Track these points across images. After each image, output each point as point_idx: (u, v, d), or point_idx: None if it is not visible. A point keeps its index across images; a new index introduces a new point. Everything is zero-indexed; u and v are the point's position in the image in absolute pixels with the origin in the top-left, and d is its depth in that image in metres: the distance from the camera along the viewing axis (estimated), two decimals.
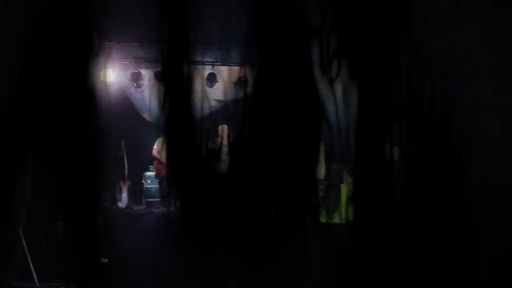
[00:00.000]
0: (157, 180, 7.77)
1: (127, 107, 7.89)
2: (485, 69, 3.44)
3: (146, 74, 7.85)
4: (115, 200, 7.41)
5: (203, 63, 7.30)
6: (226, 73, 7.88)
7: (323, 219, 5.67)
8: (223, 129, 6.97)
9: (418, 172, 3.42)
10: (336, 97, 3.56)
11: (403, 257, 3.37)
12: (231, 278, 3.91)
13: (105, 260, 3.65)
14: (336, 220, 6.19)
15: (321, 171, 4.94)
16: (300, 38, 3.49)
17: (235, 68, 7.62)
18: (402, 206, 3.40)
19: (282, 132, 3.56)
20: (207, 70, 7.76)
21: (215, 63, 7.62)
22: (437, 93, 3.39)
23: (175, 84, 3.60)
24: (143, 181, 7.92)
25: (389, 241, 3.37)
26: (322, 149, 3.69)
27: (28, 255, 5.17)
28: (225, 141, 6.92)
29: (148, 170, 7.94)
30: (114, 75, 7.62)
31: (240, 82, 7.61)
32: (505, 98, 3.49)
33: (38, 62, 3.49)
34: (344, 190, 6.82)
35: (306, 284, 4.18)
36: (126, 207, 7.27)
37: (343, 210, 6.58)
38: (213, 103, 7.45)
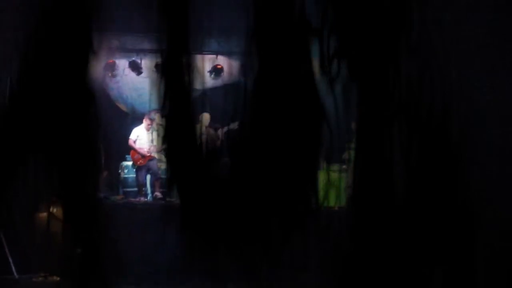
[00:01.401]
0: (134, 170, 7.69)
1: (102, 97, 7.75)
2: (485, 69, 3.45)
3: (121, 64, 7.77)
4: None
5: None
6: (200, 62, 7.78)
7: None
8: (204, 117, 6.98)
9: (418, 172, 3.41)
10: (336, 97, 3.56)
11: (404, 257, 3.36)
12: (231, 279, 3.90)
13: (79, 250, 3.66)
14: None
15: None
16: (300, 38, 3.50)
17: (209, 57, 7.60)
18: (402, 206, 3.39)
19: (282, 133, 3.55)
20: None
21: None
22: (437, 93, 3.39)
23: (175, 78, 3.59)
24: (119, 171, 7.83)
25: (389, 241, 3.36)
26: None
27: (6, 247, 5.07)
28: (210, 130, 6.88)
29: (125, 160, 7.85)
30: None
31: (215, 70, 7.69)
32: (505, 98, 3.49)
33: (38, 62, 3.50)
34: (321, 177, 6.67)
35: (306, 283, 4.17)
36: (104, 198, 6.97)
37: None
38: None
